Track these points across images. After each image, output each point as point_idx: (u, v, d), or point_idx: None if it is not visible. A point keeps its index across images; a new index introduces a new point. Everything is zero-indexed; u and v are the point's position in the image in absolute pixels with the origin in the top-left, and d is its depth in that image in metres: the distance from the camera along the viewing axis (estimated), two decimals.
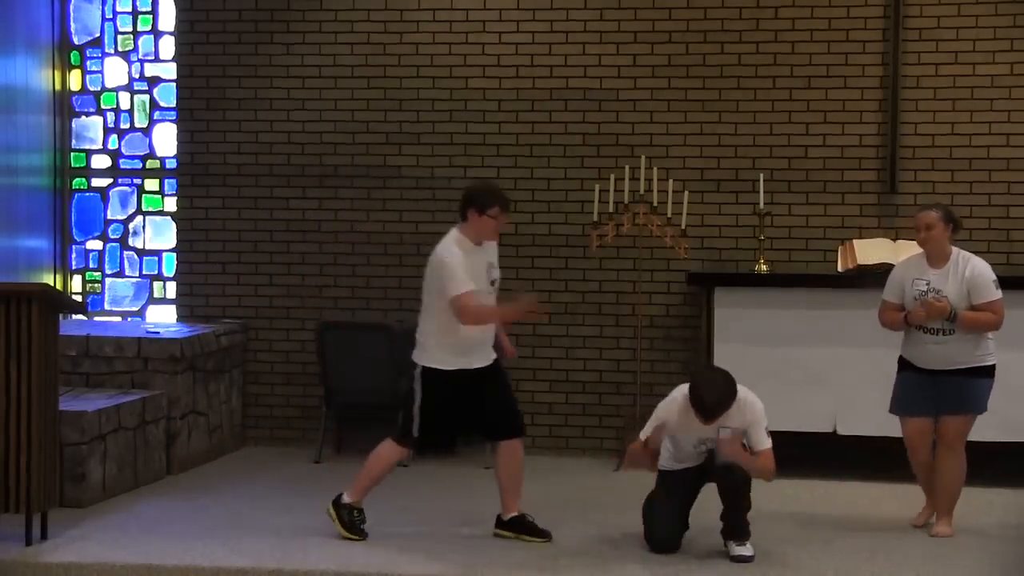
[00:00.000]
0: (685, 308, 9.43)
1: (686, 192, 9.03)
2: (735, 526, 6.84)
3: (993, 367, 7.29)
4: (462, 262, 6.97)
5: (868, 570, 6.68)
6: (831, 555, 6.95)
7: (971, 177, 9.16)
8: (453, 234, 7.15)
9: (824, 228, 9.32)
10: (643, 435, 6.93)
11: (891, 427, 8.36)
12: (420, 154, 9.74)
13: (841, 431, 8.76)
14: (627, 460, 7.16)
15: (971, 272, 7.23)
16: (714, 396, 6.63)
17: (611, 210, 9.01)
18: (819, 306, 8.80)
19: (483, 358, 7.16)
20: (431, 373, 7.10)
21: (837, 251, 9.03)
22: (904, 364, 7.43)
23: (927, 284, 7.26)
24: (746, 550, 6.79)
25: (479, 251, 7.10)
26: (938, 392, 7.27)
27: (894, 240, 8.99)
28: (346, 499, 7.23)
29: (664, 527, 6.91)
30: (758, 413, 6.82)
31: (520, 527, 7.20)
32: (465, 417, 7.17)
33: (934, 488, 7.45)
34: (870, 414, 8.60)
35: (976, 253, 7.47)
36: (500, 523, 7.27)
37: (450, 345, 7.04)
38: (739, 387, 6.78)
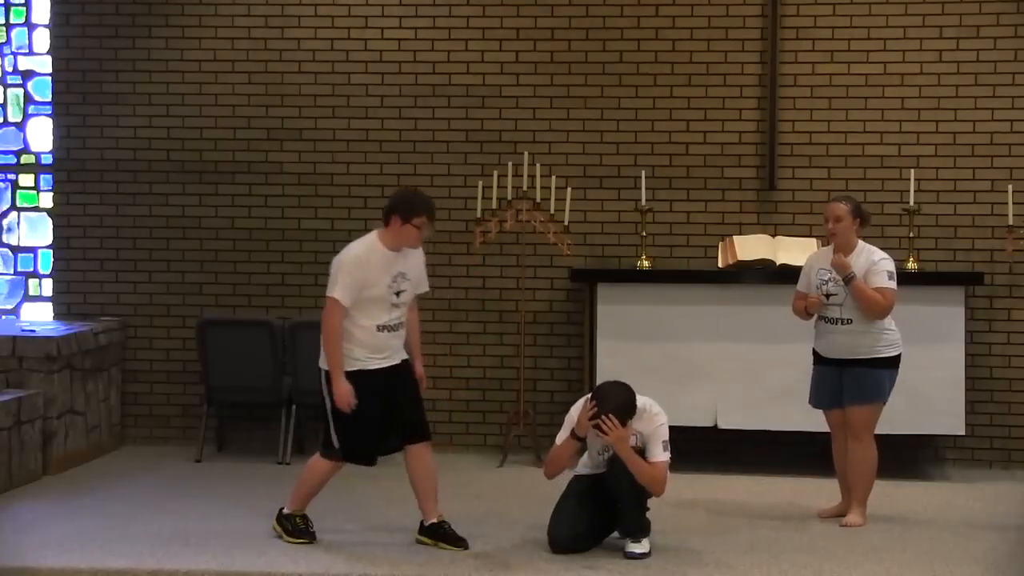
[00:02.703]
0: (568, 304, 9.48)
1: (568, 188, 9.08)
2: (629, 524, 6.85)
3: (896, 358, 7.46)
4: (358, 268, 6.78)
5: (747, 561, 6.76)
6: (711, 547, 7.02)
7: (847, 174, 9.33)
8: (370, 236, 6.94)
9: (704, 224, 9.43)
10: (557, 439, 6.93)
11: (770, 421, 8.51)
12: (302, 150, 9.68)
13: (722, 425, 8.88)
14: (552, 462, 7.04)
15: (871, 261, 7.42)
16: (613, 403, 6.69)
17: (494, 206, 9.03)
18: (700, 302, 8.90)
19: (389, 358, 6.94)
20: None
21: (717, 247, 9.14)
22: (816, 357, 7.61)
23: (830, 274, 7.44)
24: (640, 547, 6.80)
25: (393, 258, 6.86)
26: (843, 383, 7.44)
27: (773, 236, 9.12)
28: (286, 510, 7.14)
29: (566, 526, 6.87)
30: (657, 426, 6.84)
31: (437, 534, 7.02)
32: (382, 420, 6.95)
33: (845, 482, 7.60)
34: (750, 408, 8.75)
35: None
36: (421, 529, 7.09)
37: (349, 347, 6.86)
38: (645, 398, 6.84)
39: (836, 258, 7.40)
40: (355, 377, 6.85)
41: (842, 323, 7.39)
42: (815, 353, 7.62)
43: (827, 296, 7.43)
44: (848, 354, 7.41)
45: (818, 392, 7.62)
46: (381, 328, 6.87)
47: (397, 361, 6.99)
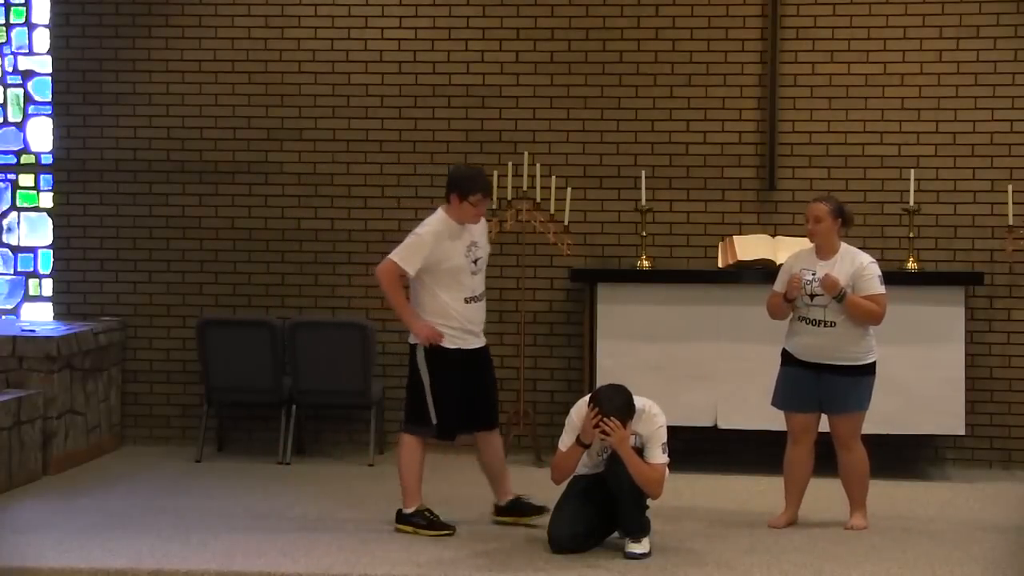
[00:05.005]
0: (568, 304, 9.48)
1: (569, 188, 9.08)
2: (629, 523, 6.85)
3: (874, 364, 7.36)
4: (434, 241, 7.13)
5: (748, 561, 6.76)
6: (711, 547, 7.02)
7: (847, 174, 9.33)
8: (439, 213, 7.29)
9: (704, 224, 9.43)
10: (562, 445, 6.95)
11: (770, 421, 8.49)
12: (302, 150, 9.68)
13: (722, 425, 8.88)
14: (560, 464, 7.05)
15: (858, 266, 7.30)
16: (613, 405, 6.71)
17: (494, 206, 9.01)
18: (700, 302, 8.90)
19: (477, 340, 7.30)
20: (434, 352, 7.18)
21: (717, 247, 9.14)
22: (787, 358, 7.47)
23: (813, 274, 7.32)
24: (640, 547, 6.79)
25: (462, 231, 7.23)
26: (820, 389, 7.34)
27: (773, 236, 9.13)
28: (407, 510, 7.24)
29: (566, 526, 6.87)
30: (656, 428, 6.85)
31: (518, 510, 7.34)
32: (470, 400, 7.26)
33: (799, 489, 7.50)
34: (750, 408, 8.74)
35: None
36: (498, 510, 7.41)
37: (446, 325, 7.16)
38: (644, 400, 6.87)
39: (825, 278, 7.23)
40: (448, 354, 7.17)
41: (825, 325, 7.26)
42: (786, 353, 7.45)
43: (811, 297, 7.29)
44: (827, 359, 7.28)
45: (787, 394, 7.43)
46: (469, 300, 7.23)
47: (483, 343, 7.34)
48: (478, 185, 7.23)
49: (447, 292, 7.17)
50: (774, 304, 7.50)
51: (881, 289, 7.31)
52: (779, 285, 7.50)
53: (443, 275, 7.15)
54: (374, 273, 7.30)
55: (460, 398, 7.23)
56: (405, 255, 7.15)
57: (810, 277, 7.33)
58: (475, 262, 7.24)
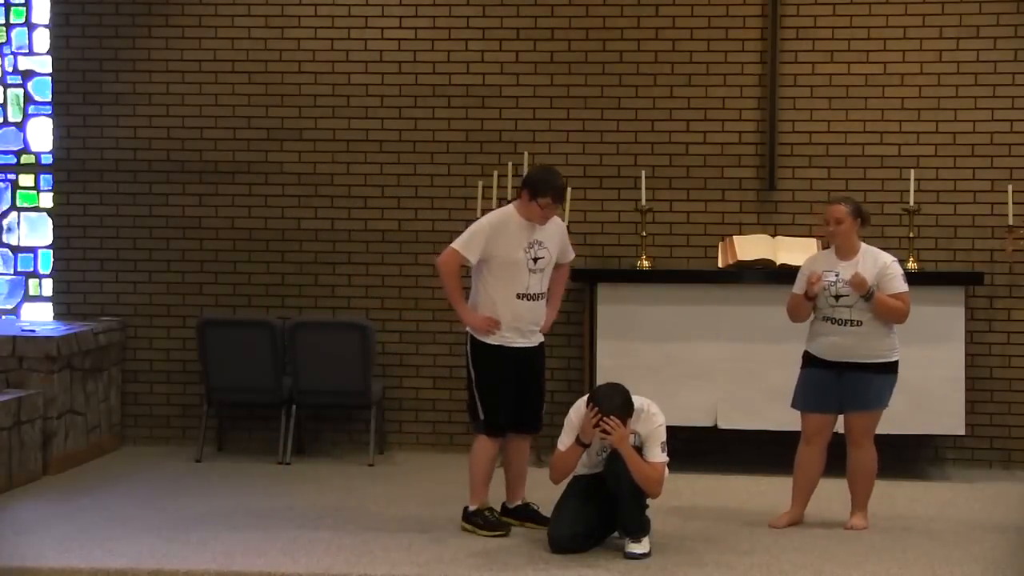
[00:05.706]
0: (568, 304, 9.41)
1: (568, 189, 9.05)
2: (629, 523, 6.85)
3: (897, 363, 7.39)
4: (492, 231, 7.14)
5: (747, 561, 6.76)
6: (711, 547, 7.02)
7: (847, 174, 9.33)
8: (509, 207, 7.34)
9: (704, 224, 9.42)
10: (561, 445, 6.96)
11: (770, 421, 8.52)
12: (302, 150, 9.68)
13: (722, 425, 8.88)
14: (559, 464, 7.06)
15: (881, 265, 7.34)
16: (612, 404, 6.72)
17: (494, 206, 9.01)
18: (700, 302, 8.90)
19: (527, 338, 7.25)
20: (477, 346, 7.21)
21: (717, 247, 9.15)
22: (808, 359, 7.48)
23: (836, 275, 7.34)
24: (640, 547, 6.80)
25: (529, 227, 7.21)
26: (842, 388, 7.35)
27: (773, 236, 9.13)
28: (471, 508, 7.26)
29: (565, 526, 6.87)
30: (655, 427, 6.86)
31: (524, 515, 7.35)
32: (518, 399, 7.24)
33: (806, 490, 7.51)
34: (750, 408, 8.76)
35: None
36: (505, 511, 7.39)
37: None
38: (643, 399, 6.88)
39: (854, 277, 7.25)
40: (486, 349, 7.17)
41: (852, 324, 7.28)
42: (808, 355, 7.48)
43: (836, 297, 7.31)
44: (853, 357, 7.31)
45: (808, 394, 7.44)
46: (521, 296, 7.18)
47: (534, 344, 7.29)
48: (550, 189, 7.18)
49: (501, 286, 7.16)
50: (794, 305, 7.52)
51: (905, 287, 7.36)
52: (797, 287, 7.51)
53: (499, 267, 7.16)
54: (436, 264, 7.29)
55: (509, 395, 7.22)
56: (465, 241, 7.19)
57: (833, 278, 7.35)
58: (535, 260, 7.19)
